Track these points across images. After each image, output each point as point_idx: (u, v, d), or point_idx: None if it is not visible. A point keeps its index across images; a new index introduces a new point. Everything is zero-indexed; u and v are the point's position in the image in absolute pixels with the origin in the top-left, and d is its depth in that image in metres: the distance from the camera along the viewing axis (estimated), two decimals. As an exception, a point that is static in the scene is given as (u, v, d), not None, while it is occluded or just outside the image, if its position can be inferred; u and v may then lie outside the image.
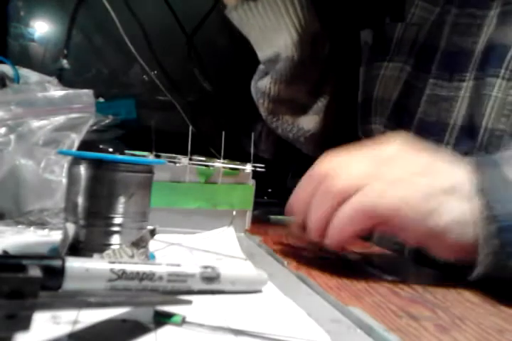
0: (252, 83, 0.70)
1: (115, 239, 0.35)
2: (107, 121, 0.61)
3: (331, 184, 0.39)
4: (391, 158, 0.40)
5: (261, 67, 0.68)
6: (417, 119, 0.59)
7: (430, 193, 0.37)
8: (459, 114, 0.55)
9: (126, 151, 0.53)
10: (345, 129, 0.72)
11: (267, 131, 0.81)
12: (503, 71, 0.51)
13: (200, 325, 0.25)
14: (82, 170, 0.34)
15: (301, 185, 0.44)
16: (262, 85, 0.67)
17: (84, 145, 0.52)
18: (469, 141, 0.53)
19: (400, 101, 0.62)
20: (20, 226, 0.46)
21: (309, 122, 0.70)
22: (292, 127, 0.70)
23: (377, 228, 0.40)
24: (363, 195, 0.38)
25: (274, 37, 0.63)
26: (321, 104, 0.70)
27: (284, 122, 0.70)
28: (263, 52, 0.66)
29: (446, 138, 0.55)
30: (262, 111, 0.70)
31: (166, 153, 0.53)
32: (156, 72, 0.91)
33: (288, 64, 0.64)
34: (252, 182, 0.55)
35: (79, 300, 0.22)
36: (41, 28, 0.89)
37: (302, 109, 0.70)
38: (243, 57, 0.98)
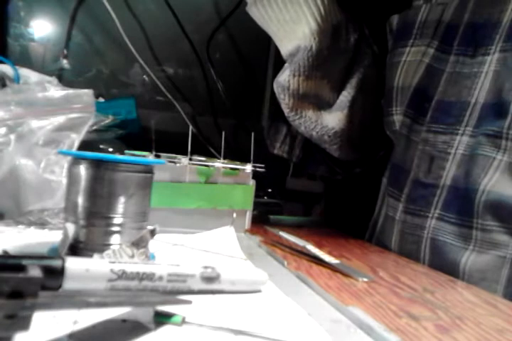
0: (275, 80, 0.67)
1: (115, 239, 0.35)
2: (107, 121, 0.61)
3: None
4: None
5: (285, 65, 0.65)
6: (435, 101, 0.56)
7: None
8: (481, 90, 0.52)
9: (126, 151, 0.53)
10: (373, 127, 0.69)
11: (293, 133, 0.78)
12: None
13: (200, 325, 0.25)
14: (82, 170, 0.34)
15: None
16: (282, 79, 0.64)
17: (84, 145, 0.52)
18: (496, 120, 0.50)
19: (420, 87, 0.59)
20: (20, 226, 0.46)
21: (333, 119, 0.66)
22: (316, 125, 0.66)
23: None
24: None
25: (294, 29, 0.61)
26: (345, 99, 0.66)
27: (306, 119, 0.66)
28: (285, 48, 0.64)
29: (466, 119, 0.52)
30: (284, 108, 0.66)
31: (166, 153, 0.53)
32: (156, 72, 0.91)
33: (306, 54, 0.61)
34: (252, 182, 0.55)
35: (79, 300, 0.22)
36: (41, 28, 0.89)
37: (326, 105, 0.67)
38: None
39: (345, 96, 0.67)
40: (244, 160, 0.56)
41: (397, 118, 0.63)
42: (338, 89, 0.67)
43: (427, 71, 0.59)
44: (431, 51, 0.59)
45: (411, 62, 0.61)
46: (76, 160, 0.35)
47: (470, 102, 0.53)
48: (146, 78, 0.92)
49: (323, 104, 0.66)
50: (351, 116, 0.66)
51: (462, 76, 0.54)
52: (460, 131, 0.53)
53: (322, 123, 0.66)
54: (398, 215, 0.59)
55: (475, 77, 0.53)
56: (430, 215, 0.54)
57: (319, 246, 0.47)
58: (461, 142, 0.53)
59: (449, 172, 0.53)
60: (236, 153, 0.57)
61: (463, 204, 0.51)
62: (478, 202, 0.49)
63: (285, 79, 0.63)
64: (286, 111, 0.66)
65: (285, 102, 0.65)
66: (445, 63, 0.56)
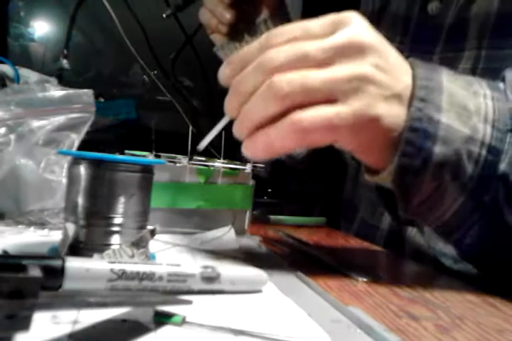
0: None
1: (115, 239, 0.35)
2: (107, 121, 0.61)
3: (277, 84, 0.33)
4: (358, 45, 0.35)
5: None
6: None
7: (383, 96, 0.35)
8: None
9: (126, 151, 0.53)
10: (334, 152, 0.74)
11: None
12: None
13: (200, 325, 0.25)
14: (82, 170, 0.34)
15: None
16: None
17: (84, 145, 0.52)
18: None
19: None
20: (20, 226, 0.46)
21: None
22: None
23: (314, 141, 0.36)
24: (320, 110, 0.33)
25: None
26: None
27: None
28: None
29: None
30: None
31: (166, 153, 0.53)
32: (156, 72, 0.91)
33: None
34: (252, 182, 0.55)
35: (79, 300, 0.22)
36: (41, 28, 0.89)
37: None
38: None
39: None
40: (244, 160, 0.56)
41: (348, 156, 0.68)
42: None
43: None
44: None
45: None
46: (76, 160, 0.35)
47: None
48: (146, 78, 0.92)
49: None
50: None
51: None
52: None
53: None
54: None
55: None
56: None
57: (319, 246, 0.47)
58: None
59: (387, 217, 0.60)
60: (236, 153, 0.57)
61: (397, 245, 0.58)
62: (406, 246, 0.57)
63: None
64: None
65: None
66: None
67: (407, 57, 0.38)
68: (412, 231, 0.57)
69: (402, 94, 0.36)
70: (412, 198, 0.37)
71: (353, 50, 0.34)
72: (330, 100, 0.34)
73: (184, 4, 0.66)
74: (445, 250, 0.51)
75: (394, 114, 0.35)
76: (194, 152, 0.46)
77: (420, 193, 0.37)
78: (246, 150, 0.36)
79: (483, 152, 0.36)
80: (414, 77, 0.36)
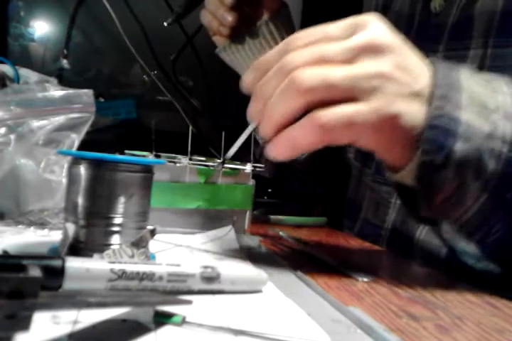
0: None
1: (115, 239, 0.35)
2: (107, 121, 0.61)
3: (298, 78, 0.34)
4: (378, 46, 0.36)
5: None
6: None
7: (402, 95, 0.36)
8: None
9: (126, 151, 0.53)
10: (335, 152, 0.75)
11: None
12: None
13: (200, 325, 0.25)
14: (82, 170, 0.34)
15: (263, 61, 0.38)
16: None
17: (85, 145, 0.52)
18: None
19: None
20: (20, 226, 0.46)
21: None
22: None
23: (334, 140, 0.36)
24: (343, 107, 0.34)
25: None
26: None
27: None
28: None
29: None
30: (259, 138, 0.72)
31: (166, 153, 0.53)
32: (156, 72, 0.91)
33: None
34: (252, 182, 0.55)
35: (79, 300, 0.22)
36: (41, 28, 0.89)
37: None
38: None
39: None
40: (244, 160, 0.56)
41: (350, 157, 0.69)
42: None
43: None
44: None
45: None
46: (76, 160, 0.35)
47: None
48: (146, 78, 0.92)
49: None
50: None
51: None
52: None
53: None
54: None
55: None
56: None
57: (319, 246, 0.47)
58: None
59: (391, 217, 0.60)
60: (236, 153, 0.57)
61: (403, 244, 0.58)
62: (413, 245, 0.56)
63: None
64: (260, 142, 0.72)
65: (260, 135, 0.70)
66: None
67: None
68: (423, 230, 0.56)
69: (422, 93, 0.36)
70: (434, 196, 0.37)
71: (372, 51, 0.35)
72: (350, 99, 0.34)
73: (185, 12, 0.66)
74: (467, 249, 0.51)
75: (413, 112, 0.36)
76: (224, 161, 0.48)
77: (443, 191, 0.37)
78: (270, 151, 0.37)
79: (505, 149, 0.36)
80: (433, 76, 0.37)
